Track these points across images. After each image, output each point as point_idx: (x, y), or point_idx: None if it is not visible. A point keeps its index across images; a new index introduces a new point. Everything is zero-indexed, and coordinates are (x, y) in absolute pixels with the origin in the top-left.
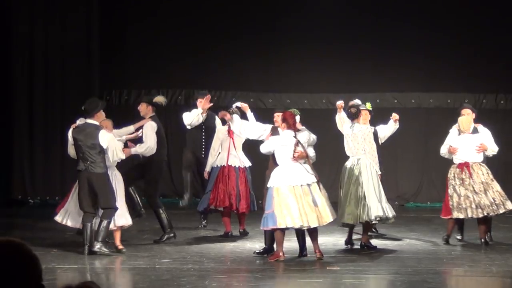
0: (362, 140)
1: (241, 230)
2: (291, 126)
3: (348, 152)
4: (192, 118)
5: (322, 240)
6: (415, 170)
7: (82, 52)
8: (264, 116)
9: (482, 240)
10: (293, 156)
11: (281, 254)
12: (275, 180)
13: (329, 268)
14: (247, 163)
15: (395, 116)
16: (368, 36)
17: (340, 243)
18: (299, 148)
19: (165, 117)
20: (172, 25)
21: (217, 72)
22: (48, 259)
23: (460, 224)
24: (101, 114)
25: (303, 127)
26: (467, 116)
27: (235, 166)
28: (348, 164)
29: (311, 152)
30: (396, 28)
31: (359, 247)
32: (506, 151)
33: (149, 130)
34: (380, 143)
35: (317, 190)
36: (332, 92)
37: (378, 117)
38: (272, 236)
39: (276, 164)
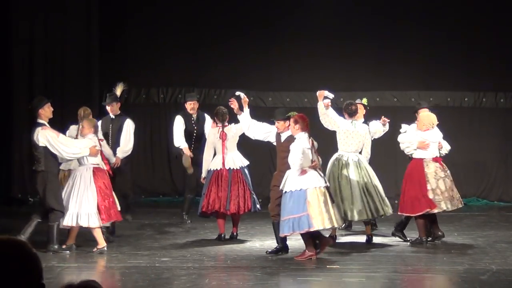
0: (363, 138)
1: (233, 233)
2: (304, 128)
3: (344, 148)
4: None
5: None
6: None
7: (81, 50)
8: (264, 114)
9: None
10: (312, 167)
11: (312, 252)
12: (307, 183)
13: (329, 266)
14: (244, 162)
15: (385, 119)
16: (368, 34)
17: (340, 243)
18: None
19: (164, 116)
20: (172, 23)
21: (217, 70)
22: (48, 258)
23: (431, 221)
24: (45, 110)
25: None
26: (431, 113)
27: (229, 168)
28: (344, 158)
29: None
30: (395, 27)
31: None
32: (506, 149)
33: (131, 128)
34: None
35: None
36: (332, 91)
37: (377, 116)
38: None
39: (288, 167)
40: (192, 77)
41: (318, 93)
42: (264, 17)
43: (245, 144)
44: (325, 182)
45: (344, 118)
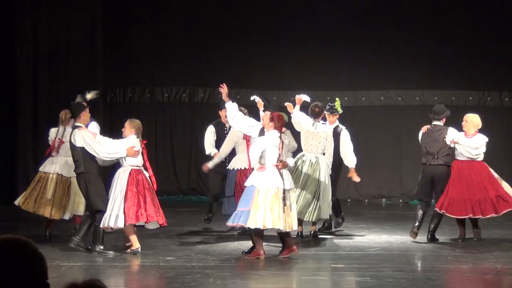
0: (324, 139)
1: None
2: (278, 127)
3: (305, 148)
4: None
5: (324, 238)
6: (419, 168)
7: (86, 49)
8: None
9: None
10: (276, 166)
11: (261, 252)
12: (259, 180)
13: (334, 265)
14: None
15: (353, 177)
16: (372, 34)
17: (341, 242)
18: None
19: (169, 115)
20: (177, 23)
21: (221, 69)
22: (53, 256)
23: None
24: (86, 114)
25: (288, 131)
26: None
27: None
28: (303, 158)
29: (291, 161)
30: (400, 26)
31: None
32: (510, 148)
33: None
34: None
35: (293, 197)
36: (336, 90)
37: (382, 115)
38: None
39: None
40: (197, 77)
41: (296, 97)
42: (269, 17)
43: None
44: (285, 185)
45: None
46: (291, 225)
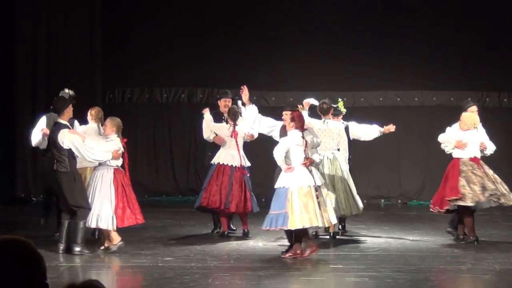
0: (337, 135)
1: (244, 231)
2: (299, 127)
3: (319, 147)
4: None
5: (322, 239)
6: (418, 168)
7: (85, 50)
8: (267, 114)
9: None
10: (304, 165)
11: (299, 251)
12: (290, 181)
13: (332, 266)
14: (246, 163)
15: (389, 128)
16: (371, 34)
17: (339, 243)
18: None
19: (168, 115)
20: (176, 23)
21: (220, 70)
22: (51, 257)
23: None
24: (70, 111)
25: (311, 127)
26: (475, 113)
27: (231, 165)
28: (321, 157)
29: (317, 157)
30: (399, 26)
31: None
32: (509, 148)
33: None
34: (351, 139)
35: (324, 192)
36: (335, 90)
37: (381, 115)
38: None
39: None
40: (196, 77)
41: (304, 101)
42: (268, 17)
43: (248, 144)
44: (316, 182)
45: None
46: (329, 219)
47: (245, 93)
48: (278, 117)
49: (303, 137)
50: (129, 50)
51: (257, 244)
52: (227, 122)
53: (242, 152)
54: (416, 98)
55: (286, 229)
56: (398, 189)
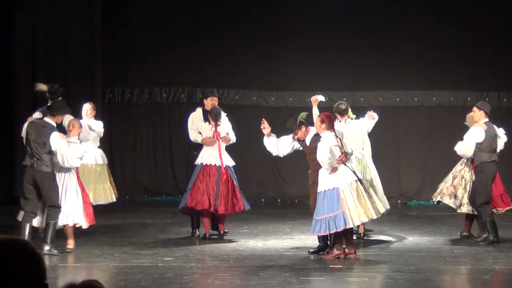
0: (362, 134)
1: (221, 232)
2: (331, 126)
3: (345, 148)
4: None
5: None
6: (417, 168)
7: (85, 50)
8: (266, 114)
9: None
10: (341, 161)
11: (341, 251)
12: (338, 180)
13: (332, 266)
14: (230, 163)
15: (371, 115)
16: (371, 34)
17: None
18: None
19: (167, 115)
20: (175, 23)
21: (220, 70)
22: (51, 257)
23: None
24: (62, 118)
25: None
26: (473, 113)
27: (216, 165)
28: (351, 159)
29: (348, 147)
30: (399, 26)
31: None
32: (509, 148)
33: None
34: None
35: (364, 184)
36: (335, 90)
37: (381, 115)
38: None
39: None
40: (195, 77)
41: (312, 98)
42: (268, 17)
43: (248, 144)
44: (356, 176)
45: (336, 118)
46: (378, 210)
47: (266, 128)
48: (278, 116)
49: (336, 136)
50: (129, 50)
51: (257, 244)
52: (209, 123)
53: (224, 152)
54: (415, 98)
55: (349, 227)
56: (397, 189)
